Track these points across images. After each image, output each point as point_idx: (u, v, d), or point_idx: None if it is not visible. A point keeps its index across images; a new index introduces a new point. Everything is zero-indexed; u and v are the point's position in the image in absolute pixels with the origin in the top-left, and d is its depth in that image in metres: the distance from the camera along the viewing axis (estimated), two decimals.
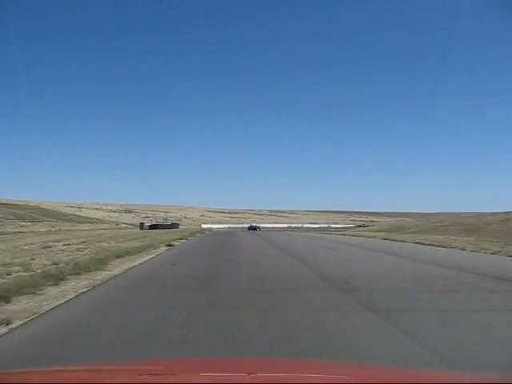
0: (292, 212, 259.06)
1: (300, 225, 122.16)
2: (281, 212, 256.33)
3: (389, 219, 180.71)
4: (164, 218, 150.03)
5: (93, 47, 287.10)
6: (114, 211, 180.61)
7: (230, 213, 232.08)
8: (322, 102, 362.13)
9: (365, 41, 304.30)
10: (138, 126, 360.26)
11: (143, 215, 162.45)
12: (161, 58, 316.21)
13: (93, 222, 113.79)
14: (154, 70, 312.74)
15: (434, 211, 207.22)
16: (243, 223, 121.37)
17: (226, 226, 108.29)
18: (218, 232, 65.94)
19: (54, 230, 71.78)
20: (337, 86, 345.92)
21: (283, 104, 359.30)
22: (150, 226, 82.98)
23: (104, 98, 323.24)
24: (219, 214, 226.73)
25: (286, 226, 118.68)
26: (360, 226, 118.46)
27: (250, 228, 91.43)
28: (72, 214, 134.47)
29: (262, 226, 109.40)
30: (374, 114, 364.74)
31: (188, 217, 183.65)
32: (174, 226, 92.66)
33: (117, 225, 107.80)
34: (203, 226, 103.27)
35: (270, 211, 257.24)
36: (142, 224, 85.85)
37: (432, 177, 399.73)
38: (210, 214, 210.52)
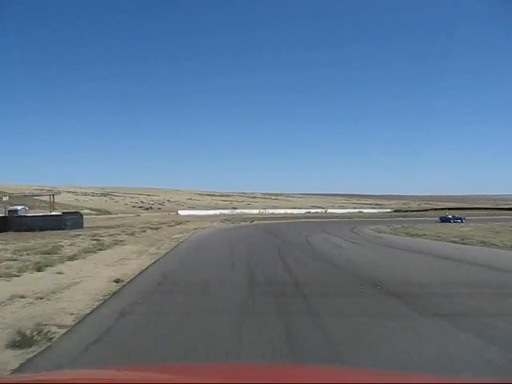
0: (288, 195, 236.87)
1: (321, 210, 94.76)
2: (276, 195, 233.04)
3: (391, 202, 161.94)
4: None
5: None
6: (87, 194, 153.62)
7: (220, 196, 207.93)
8: (316, 81, 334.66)
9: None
10: (126, 106, 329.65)
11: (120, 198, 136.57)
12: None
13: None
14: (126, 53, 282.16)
15: (435, 194, 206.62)
16: (238, 208, 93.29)
17: (218, 211, 79.18)
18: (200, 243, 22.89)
19: None
20: (329, 66, 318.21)
21: (276, 84, 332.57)
22: None
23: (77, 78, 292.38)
24: (209, 197, 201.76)
25: (301, 211, 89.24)
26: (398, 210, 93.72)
27: (444, 219, 52.44)
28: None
29: (265, 211, 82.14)
30: (370, 95, 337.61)
31: (172, 200, 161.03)
32: (63, 220, 32.38)
33: None
34: (181, 212, 75.32)
35: (263, 194, 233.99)
36: None
37: (435, 159, 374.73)
38: (198, 197, 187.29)
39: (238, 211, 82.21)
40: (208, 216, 65.56)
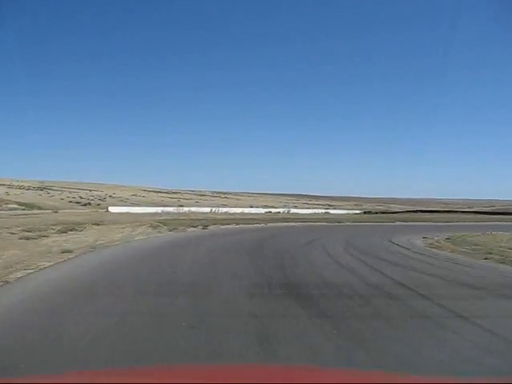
0: (237, 194, 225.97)
1: (283, 210, 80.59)
2: (225, 194, 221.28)
3: (342, 203, 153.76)
4: None
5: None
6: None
7: (167, 193, 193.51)
8: (277, 78, 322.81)
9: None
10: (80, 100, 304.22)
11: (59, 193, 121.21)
12: None
13: None
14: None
15: (386, 196, 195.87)
16: (186, 206, 78.63)
17: (160, 209, 64.11)
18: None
19: None
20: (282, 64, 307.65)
21: (226, 81, 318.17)
22: None
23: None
24: (155, 193, 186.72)
25: (260, 211, 74.48)
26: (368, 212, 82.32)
27: None
28: None
29: (217, 209, 67.91)
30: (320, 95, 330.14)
31: (115, 196, 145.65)
32: None
33: None
34: (113, 209, 59.43)
35: (212, 192, 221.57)
36: None
37: (387, 161, 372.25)
38: (144, 194, 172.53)
39: (186, 209, 67.68)
40: (144, 214, 49.64)
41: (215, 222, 34.29)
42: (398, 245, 19.42)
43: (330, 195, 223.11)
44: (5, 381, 2.17)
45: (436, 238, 22.56)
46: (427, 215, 71.50)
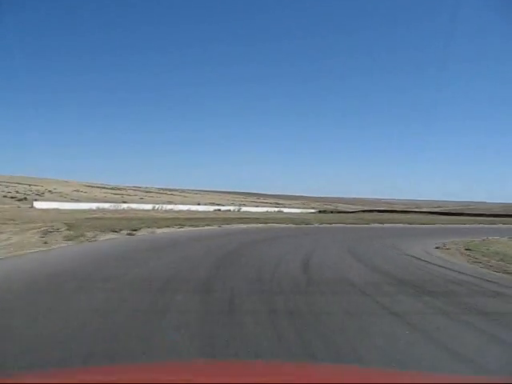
0: (183, 191, 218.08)
1: (234, 208, 71.55)
2: (171, 190, 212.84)
3: (290, 202, 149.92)
4: None
5: None
6: None
7: (112, 189, 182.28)
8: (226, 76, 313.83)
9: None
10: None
11: None
12: None
13: None
14: None
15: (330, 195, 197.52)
16: (129, 203, 69.22)
17: (95, 205, 54.08)
18: None
19: None
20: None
21: (164, 84, 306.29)
22: None
23: None
24: (98, 189, 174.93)
25: (208, 208, 65.10)
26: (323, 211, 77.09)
27: None
28: None
29: (161, 207, 58.66)
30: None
31: (55, 191, 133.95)
32: None
33: None
34: (39, 205, 49.02)
35: (158, 189, 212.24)
36: None
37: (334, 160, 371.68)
38: (86, 189, 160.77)
39: (124, 206, 57.98)
40: (74, 211, 39.81)
41: (155, 222, 25.48)
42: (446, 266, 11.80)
43: (277, 193, 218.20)
44: (5, 381, 1.97)
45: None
46: (387, 215, 65.43)
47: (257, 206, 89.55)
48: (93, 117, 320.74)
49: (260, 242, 18.07)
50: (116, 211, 47.60)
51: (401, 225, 39.50)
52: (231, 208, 70.44)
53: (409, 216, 66.25)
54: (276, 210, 78.66)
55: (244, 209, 72.53)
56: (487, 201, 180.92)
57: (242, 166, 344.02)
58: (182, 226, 24.92)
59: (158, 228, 22.57)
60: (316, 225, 34.00)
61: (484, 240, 21.64)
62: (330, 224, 35.90)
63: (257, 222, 31.97)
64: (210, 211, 58.57)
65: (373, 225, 37.30)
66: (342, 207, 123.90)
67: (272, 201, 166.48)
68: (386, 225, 38.09)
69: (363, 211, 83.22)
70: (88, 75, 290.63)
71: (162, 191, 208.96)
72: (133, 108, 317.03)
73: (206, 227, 25.78)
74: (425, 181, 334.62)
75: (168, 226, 24.00)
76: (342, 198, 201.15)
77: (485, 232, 28.66)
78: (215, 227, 26.29)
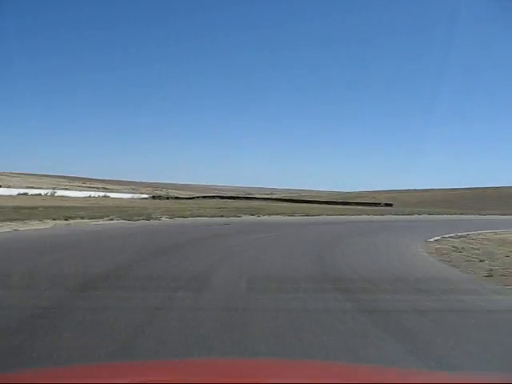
0: (1, 173, 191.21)
1: (46, 191, 61.53)
2: None
3: (120, 187, 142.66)
4: None
5: None
6: None
7: None
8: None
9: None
10: None
11: None
12: None
13: None
14: None
15: (162, 181, 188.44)
16: None
17: None
18: None
19: None
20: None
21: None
22: None
23: None
24: None
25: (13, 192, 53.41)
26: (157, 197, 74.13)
27: None
28: None
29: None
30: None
31: None
32: None
33: None
34: None
35: None
36: None
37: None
38: None
39: None
40: None
41: None
42: None
43: (104, 178, 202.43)
44: (4, 380, 2.00)
45: None
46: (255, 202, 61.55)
47: (81, 191, 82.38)
48: None
49: None
50: None
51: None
52: (43, 192, 62.33)
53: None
54: (101, 195, 72.93)
55: (61, 193, 65.04)
56: (313, 189, 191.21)
57: (69, 148, 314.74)
58: None
59: None
60: (164, 219, 23.77)
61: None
62: (185, 218, 24.96)
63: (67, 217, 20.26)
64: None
65: (243, 217, 28.75)
66: (173, 193, 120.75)
67: (100, 185, 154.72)
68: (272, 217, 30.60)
69: (203, 197, 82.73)
70: None
71: None
72: None
73: None
74: (255, 168, 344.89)
75: None
76: (171, 184, 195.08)
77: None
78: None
